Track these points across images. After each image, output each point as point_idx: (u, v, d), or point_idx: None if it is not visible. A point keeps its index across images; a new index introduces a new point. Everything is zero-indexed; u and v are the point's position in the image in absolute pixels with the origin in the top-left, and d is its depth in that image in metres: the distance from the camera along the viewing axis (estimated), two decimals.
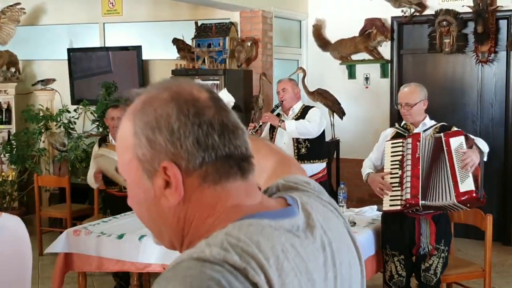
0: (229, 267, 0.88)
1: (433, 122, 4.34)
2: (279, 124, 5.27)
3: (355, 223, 4.38)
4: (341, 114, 6.93)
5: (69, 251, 4.21)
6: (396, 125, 4.50)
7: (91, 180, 5.52)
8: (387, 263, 4.32)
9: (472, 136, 4.18)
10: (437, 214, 4.19)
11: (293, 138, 5.30)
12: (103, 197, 5.78)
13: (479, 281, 4.59)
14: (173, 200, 1.00)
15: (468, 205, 4.03)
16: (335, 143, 6.89)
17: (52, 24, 8.40)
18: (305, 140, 5.29)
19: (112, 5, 8.08)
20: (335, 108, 6.88)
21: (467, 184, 3.95)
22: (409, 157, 4.14)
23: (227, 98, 1.80)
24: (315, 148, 5.31)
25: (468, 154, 3.97)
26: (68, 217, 6.53)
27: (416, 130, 4.28)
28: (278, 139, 5.39)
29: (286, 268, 0.94)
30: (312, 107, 5.52)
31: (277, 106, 5.55)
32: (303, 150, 5.27)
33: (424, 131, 4.26)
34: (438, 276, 4.22)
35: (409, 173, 4.11)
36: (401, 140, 4.24)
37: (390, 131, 4.49)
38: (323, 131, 5.44)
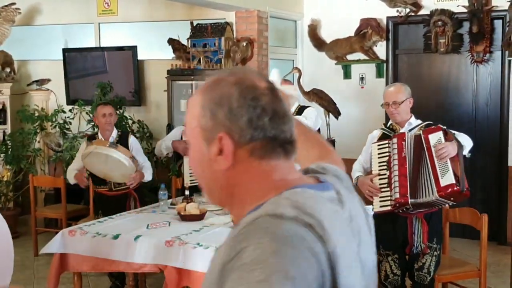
0: (299, 223, 1.08)
1: (418, 122, 4.39)
2: None
3: None
4: (337, 114, 6.94)
5: (64, 251, 4.20)
6: (382, 126, 4.55)
7: (71, 174, 5.50)
8: (382, 263, 4.33)
9: (453, 131, 4.22)
10: (429, 213, 4.22)
11: None
12: (93, 197, 5.78)
13: (475, 280, 4.59)
14: (223, 165, 1.20)
15: (452, 198, 4.07)
16: (331, 143, 6.89)
17: (47, 24, 8.38)
18: None
19: (108, 5, 8.07)
20: (331, 108, 6.88)
21: (448, 178, 4.00)
22: (396, 157, 4.19)
23: (276, 77, 2.06)
24: None
25: (443, 145, 4.03)
26: (63, 217, 6.52)
27: (402, 130, 4.33)
28: None
29: (335, 227, 1.13)
30: (308, 107, 5.53)
31: None
32: None
33: (410, 130, 4.29)
34: (431, 274, 4.24)
35: (396, 173, 4.15)
36: (387, 141, 4.29)
37: (377, 133, 4.53)
38: (319, 130, 5.45)
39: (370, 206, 4.79)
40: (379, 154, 4.30)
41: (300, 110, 5.38)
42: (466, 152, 4.19)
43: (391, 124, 4.44)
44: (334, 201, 1.22)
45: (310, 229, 1.08)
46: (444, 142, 4.06)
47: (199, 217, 4.43)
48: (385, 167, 4.23)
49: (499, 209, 6.82)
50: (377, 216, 4.32)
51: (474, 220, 4.51)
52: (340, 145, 7.02)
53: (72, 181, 5.53)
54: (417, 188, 4.08)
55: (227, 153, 1.19)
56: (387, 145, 4.27)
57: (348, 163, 6.56)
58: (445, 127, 4.20)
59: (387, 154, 4.25)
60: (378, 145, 4.34)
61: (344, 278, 1.09)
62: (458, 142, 4.08)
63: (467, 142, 4.20)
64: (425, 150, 4.11)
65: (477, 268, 4.50)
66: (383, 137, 4.40)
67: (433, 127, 4.21)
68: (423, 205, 4.11)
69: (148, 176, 5.42)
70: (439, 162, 4.04)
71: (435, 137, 4.11)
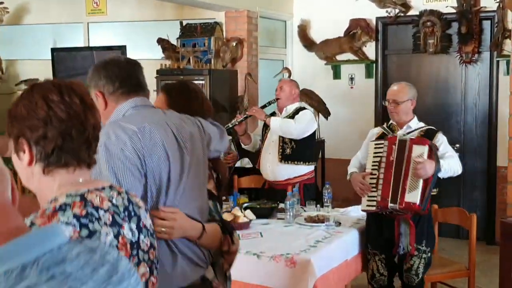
0: None
1: (420, 124, 4.34)
2: (265, 119, 5.26)
3: (340, 223, 4.36)
4: (326, 114, 6.94)
5: None
6: (385, 124, 4.51)
7: None
8: (369, 262, 4.34)
9: (451, 152, 4.19)
10: (418, 215, 4.19)
11: (279, 138, 5.27)
12: None
13: (464, 280, 4.60)
14: None
15: (409, 212, 4.13)
16: (320, 144, 6.90)
17: (35, 23, 8.34)
18: (291, 140, 5.25)
19: (96, 5, 8.03)
20: (320, 108, 6.89)
21: (413, 195, 4.02)
22: (384, 159, 4.19)
23: None
24: (300, 150, 5.25)
25: (423, 164, 3.99)
26: None
27: (400, 132, 4.30)
28: (269, 137, 5.36)
29: None
30: (305, 109, 5.43)
31: (269, 103, 5.50)
32: (287, 150, 5.24)
33: (408, 133, 4.27)
34: (420, 276, 4.23)
35: (382, 176, 4.16)
36: (382, 142, 4.27)
37: (377, 130, 4.52)
38: (313, 134, 5.37)
39: (360, 206, 4.80)
40: (374, 153, 4.28)
41: (297, 111, 5.28)
42: (444, 175, 4.13)
43: (391, 123, 4.41)
44: None
45: None
46: (424, 160, 4.01)
47: None
48: (376, 167, 4.22)
49: (488, 209, 6.85)
50: (369, 216, 4.35)
51: (463, 220, 4.52)
52: (330, 145, 7.04)
53: None
54: (396, 194, 4.09)
55: None
56: (382, 145, 4.25)
57: (338, 163, 6.56)
58: (433, 143, 4.12)
59: (380, 154, 4.23)
60: (375, 143, 4.31)
61: None
62: (438, 162, 4.02)
63: (451, 168, 4.12)
64: (405, 158, 4.09)
65: (466, 267, 4.51)
66: (382, 135, 4.37)
67: (420, 138, 4.17)
68: (399, 210, 4.13)
69: None
70: (412, 177, 4.04)
71: (419, 150, 4.06)
